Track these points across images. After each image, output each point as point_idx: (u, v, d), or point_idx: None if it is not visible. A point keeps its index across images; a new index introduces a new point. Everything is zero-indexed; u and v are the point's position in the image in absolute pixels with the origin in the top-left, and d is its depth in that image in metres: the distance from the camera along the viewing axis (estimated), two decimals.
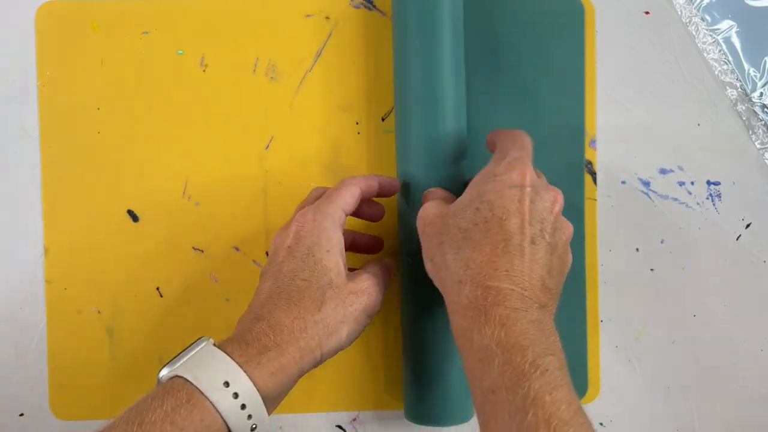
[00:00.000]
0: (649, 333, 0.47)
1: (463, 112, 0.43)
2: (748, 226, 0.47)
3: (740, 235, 0.47)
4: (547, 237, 0.34)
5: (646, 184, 0.47)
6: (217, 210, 0.46)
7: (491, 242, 0.34)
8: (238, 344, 0.34)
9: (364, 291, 0.37)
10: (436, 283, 0.37)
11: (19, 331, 0.46)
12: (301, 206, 0.42)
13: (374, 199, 0.43)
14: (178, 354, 0.34)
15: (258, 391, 0.33)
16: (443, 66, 0.41)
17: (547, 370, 0.30)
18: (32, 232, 0.46)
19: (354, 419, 0.47)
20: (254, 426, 0.33)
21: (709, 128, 0.47)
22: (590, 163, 0.47)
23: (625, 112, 0.47)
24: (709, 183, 0.47)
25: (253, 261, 0.46)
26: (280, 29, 0.46)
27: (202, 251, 0.46)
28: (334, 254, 0.37)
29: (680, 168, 0.47)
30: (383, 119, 0.47)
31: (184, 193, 0.46)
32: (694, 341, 0.47)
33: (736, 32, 0.47)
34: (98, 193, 0.46)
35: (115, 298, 0.46)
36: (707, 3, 0.47)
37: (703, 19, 0.47)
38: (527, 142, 0.38)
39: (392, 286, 0.44)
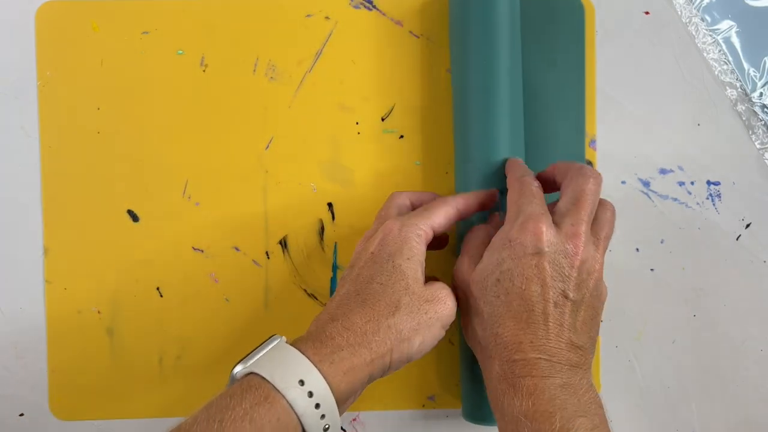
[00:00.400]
0: (649, 333, 0.47)
1: (521, 138, 0.43)
2: (748, 226, 0.47)
3: (740, 235, 0.47)
4: (571, 295, 0.35)
5: (646, 184, 0.47)
6: (217, 210, 0.46)
7: (514, 315, 0.34)
8: (312, 343, 0.34)
9: (439, 300, 0.37)
10: (473, 350, 0.39)
11: (19, 331, 0.46)
12: (381, 211, 0.42)
13: None
14: (251, 351, 0.35)
15: (331, 390, 0.33)
16: (503, 94, 0.42)
17: None
18: (32, 232, 0.46)
19: (354, 419, 0.47)
20: (327, 426, 0.33)
21: (709, 128, 0.47)
22: (590, 163, 0.47)
23: (625, 112, 0.47)
24: (709, 183, 0.47)
25: (253, 261, 0.46)
26: (280, 29, 0.46)
27: (202, 251, 0.46)
28: (413, 263, 0.37)
29: (680, 168, 0.47)
30: (383, 119, 0.47)
31: (184, 193, 0.46)
32: (694, 341, 0.47)
33: (736, 32, 0.47)
34: (98, 193, 0.46)
35: (115, 298, 0.46)
36: (707, 3, 0.47)
37: (703, 19, 0.47)
38: (536, 190, 0.37)
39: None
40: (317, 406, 0.32)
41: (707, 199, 0.47)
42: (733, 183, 0.47)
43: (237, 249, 0.46)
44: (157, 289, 0.46)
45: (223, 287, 0.46)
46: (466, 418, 0.44)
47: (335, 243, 0.47)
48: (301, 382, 0.32)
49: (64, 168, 0.46)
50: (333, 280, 0.47)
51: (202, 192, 0.46)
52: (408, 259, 0.37)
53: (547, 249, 0.35)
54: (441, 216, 0.39)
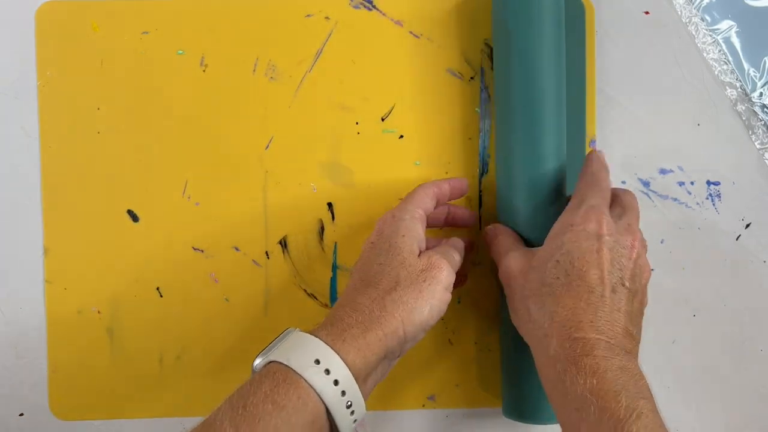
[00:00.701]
0: (649, 333, 0.47)
1: (564, 148, 0.43)
2: (748, 226, 0.47)
3: (740, 235, 0.47)
4: (627, 284, 0.36)
5: (646, 184, 0.47)
6: (217, 210, 0.46)
7: (574, 295, 0.35)
8: (324, 327, 0.36)
9: (433, 265, 0.38)
10: (522, 334, 0.39)
11: (19, 331, 0.46)
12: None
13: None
14: (268, 344, 0.36)
15: (347, 367, 0.34)
16: (547, 104, 0.42)
17: (642, 413, 0.31)
18: (32, 232, 0.46)
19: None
20: (349, 403, 0.34)
21: (709, 128, 0.47)
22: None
23: (625, 112, 0.47)
24: (708, 183, 0.47)
25: (253, 261, 0.46)
26: (280, 29, 0.46)
27: (202, 251, 0.46)
28: (408, 239, 0.39)
29: (680, 168, 0.47)
30: (383, 119, 0.47)
31: (184, 193, 0.46)
32: (694, 341, 0.47)
33: (736, 32, 0.47)
34: (98, 193, 0.46)
35: (115, 298, 0.46)
36: (707, 3, 0.47)
37: (703, 19, 0.47)
38: (605, 186, 0.39)
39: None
40: (336, 382, 0.33)
41: (707, 199, 0.47)
42: (733, 183, 0.47)
43: (237, 249, 0.46)
44: (157, 289, 0.46)
45: (223, 287, 0.46)
46: (508, 415, 0.44)
47: (335, 243, 0.47)
48: (317, 362, 0.33)
49: (64, 168, 0.46)
50: (333, 280, 0.47)
51: (202, 192, 0.46)
52: (403, 236, 0.39)
53: (607, 237, 0.36)
54: (423, 195, 0.41)
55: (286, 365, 0.33)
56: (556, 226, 0.38)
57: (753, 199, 0.47)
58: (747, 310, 0.47)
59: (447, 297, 0.38)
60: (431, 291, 0.37)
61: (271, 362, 0.34)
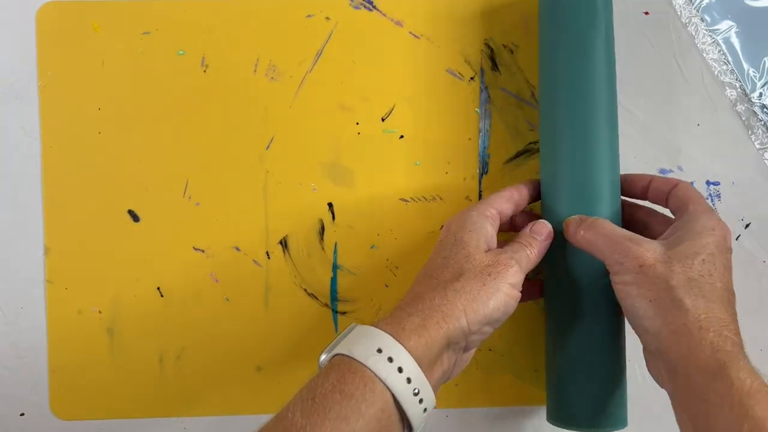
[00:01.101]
0: None
1: (617, 157, 0.42)
2: (747, 226, 0.47)
3: (740, 235, 0.47)
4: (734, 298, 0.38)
5: None
6: (217, 210, 0.46)
7: (719, 296, 0.36)
8: (385, 319, 0.36)
9: (499, 262, 0.38)
10: (650, 326, 0.37)
11: (19, 331, 0.46)
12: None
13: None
14: (333, 340, 0.36)
15: (410, 355, 0.34)
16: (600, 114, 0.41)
17: None
18: (33, 232, 0.46)
19: None
20: (417, 390, 0.34)
21: (709, 128, 0.47)
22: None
23: (625, 112, 0.47)
24: (708, 183, 0.47)
25: (254, 261, 0.46)
26: (280, 29, 0.46)
27: (202, 251, 0.46)
28: (475, 233, 0.39)
29: (680, 168, 0.47)
30: (383, 119, 0.47)
31: (184, 193, 0.46)
32: None
33: (736, 32, 0.47)
34: (98, 193, 0.46)
35: (115, 298, 0.46)
36: (707, 3, 0.47)
37: (702, 20, 0.47)
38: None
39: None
40: (400, 369, 0.33)
41: (707, 199, 0.47)
42: (733, 183, 0.47)
43: (237, 249, 0.46)
44: (158, 289, 0.46)
45: (223, 287, 0.46)
46: (552, 421, 0.43)
47: (335, 243, 0.47)
48: (379, 351, 0.34)
49: (65, 168, 0.46)
50: (333, 280, 0.47)
51: (202, 192, 0.46)
52: (470, 231, 0.39)
53: (732, 251, 0.38)
54: (500, 197, 0.41)
55: (350, 357, 0.34)
56: (697, 226, 0.38)
57: (753, 199, 0.47)
58: (747, 310, 0.47)
59: (514, 294, 0.38)
60: (496, 285, 0.37)
61: (335, 356, 0.34)
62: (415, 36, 0.47)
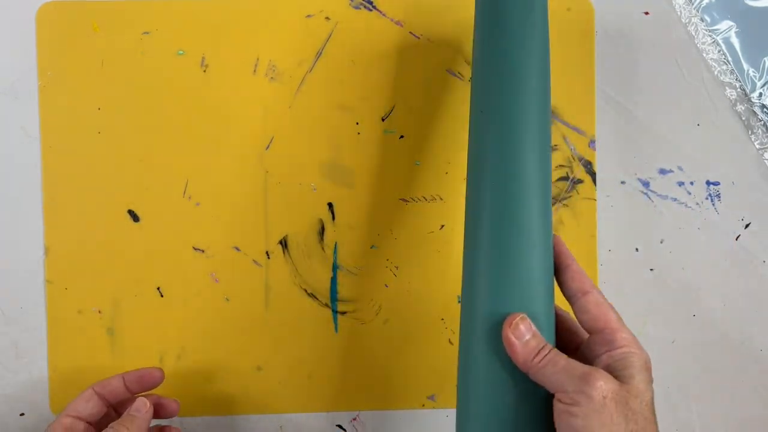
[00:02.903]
0: (648, 333, 0.47)
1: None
2: (747, 226, 0.48)
3: (739, 235, 0.47)
4: None
5: (646, 184, 0.47)
6: (217, 210, 0.46)
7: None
8: None
9: None
10: None
11: (19, 331, 0.46)
12: None
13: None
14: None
15: None
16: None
17: None
18: (33, 232, 0.46)
19: (354, 419, 0.47)
20: None
21: (709, 128, 0.47)
22: (590, 163, 0.47)
23: (625, 112, 0.47)
24: (708, 183, 0.47)
25: (254, 261, 0.47)
26: (280, 29, 0.46)
27: (202, 251, 0.46)
28: None
29: (680, 168, 0.47)
30: (383, 119, 0.47)
31: (184, 193, 0.46)
32: (694, 341, 0.47)
33: (736, 32, 0.47)
34: (98, 193, 0.46)
35: (115, 298, 0.46)
36: (707, 3, 0.47)
37: (702, 20, 0.47)
38: None
39: None
40: None
41: (707, 199, 0.47)
42: (733, 183, 0.47)
43: (237, 249, 0.46)
44: (158, 289, 0.46)
45: (223, 287, 0.46)
46: None
47: (335, 243, 0.47)
48: None
49: (65, 168, 0.46)
50: (333, 280, 0.47)
51: (202, 192, 0.46)
52: None
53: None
54: (80, 400, 0.42)
55: None
56: (636, 361, 0.35)
57: (752, 199, 0.47)
58: (747, 310, 0.47)
59: None
60: None
61: None
62: (415, 36, 0.47)
